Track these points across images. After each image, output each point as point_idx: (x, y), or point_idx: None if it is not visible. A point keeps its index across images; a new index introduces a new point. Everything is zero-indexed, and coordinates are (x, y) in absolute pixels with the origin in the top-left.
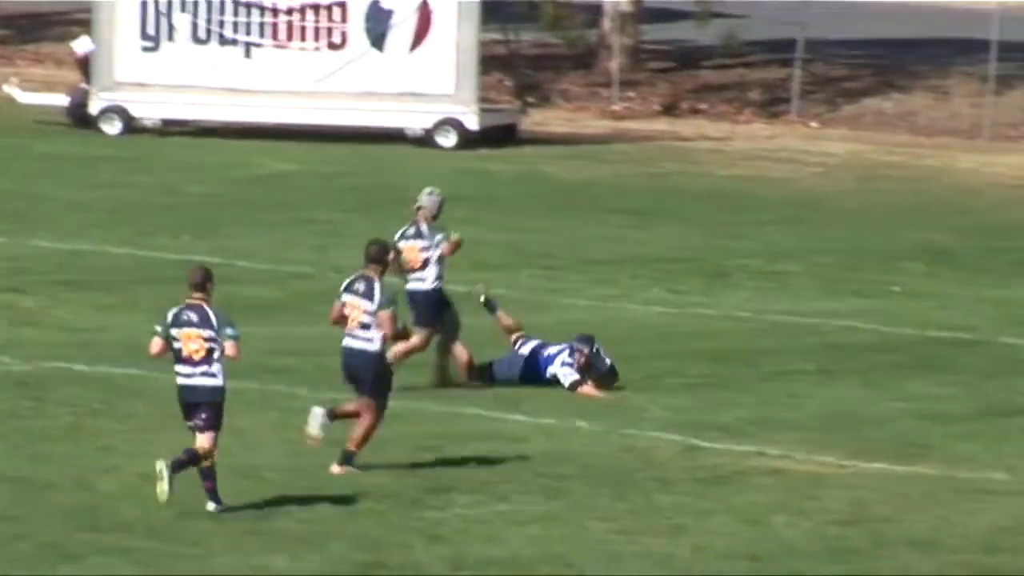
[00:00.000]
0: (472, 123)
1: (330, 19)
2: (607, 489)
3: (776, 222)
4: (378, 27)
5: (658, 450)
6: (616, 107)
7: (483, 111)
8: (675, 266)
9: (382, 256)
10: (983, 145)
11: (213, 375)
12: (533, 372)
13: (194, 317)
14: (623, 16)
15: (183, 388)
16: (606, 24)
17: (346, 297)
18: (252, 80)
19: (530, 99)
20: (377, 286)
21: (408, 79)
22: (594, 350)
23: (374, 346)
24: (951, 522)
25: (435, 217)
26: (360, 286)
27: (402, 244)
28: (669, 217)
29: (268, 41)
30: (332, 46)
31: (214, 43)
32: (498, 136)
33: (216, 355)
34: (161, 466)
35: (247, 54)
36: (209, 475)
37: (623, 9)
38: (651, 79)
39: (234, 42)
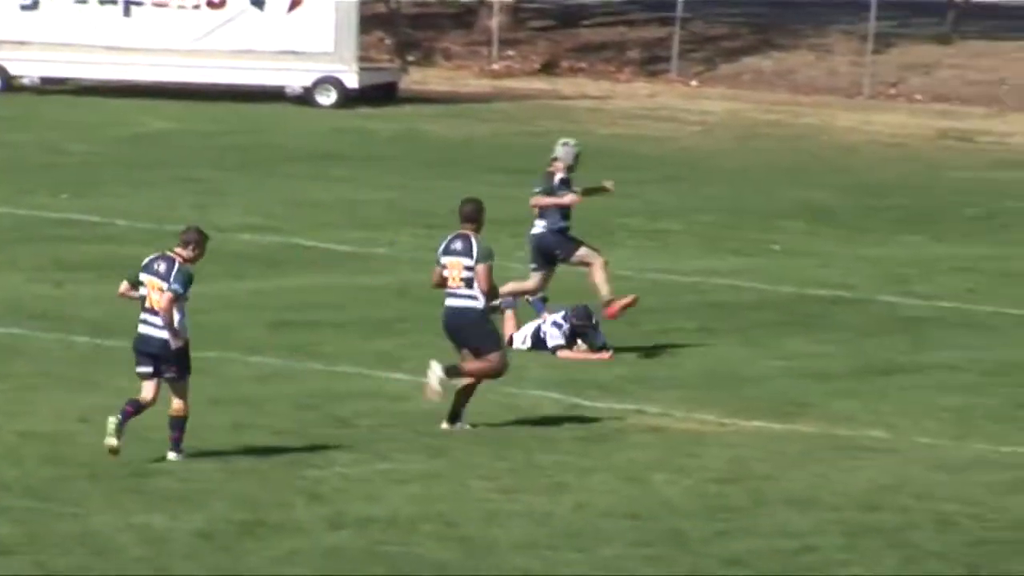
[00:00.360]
0: (352, 81)
1: None
2: (488, 448)
3: (656, 181)
4: None
5: (539, 408)
6: (496, 66)
7: (363, 70)
8: None
9: (476, 215)
10: (862, 103)
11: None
12: (535, 337)
13: (161, 268)
14: None
15: (139, 336)
16: None
17: (445, 259)
18: (131, 38)
19: (410, 58)
20: (475, 241)
21: (287, 37)
22: (592, 322)
23: (478, 303)
24: (830, 480)
25: (571, 168)
26: (458, 245)
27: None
28: None
29: None
30: (211, 4)
31: (93, 1)
32: (378, 95)
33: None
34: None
35: (126, 12)
36: (177, 425)
37: None
38: (531, 38)
39: (113, 0)
